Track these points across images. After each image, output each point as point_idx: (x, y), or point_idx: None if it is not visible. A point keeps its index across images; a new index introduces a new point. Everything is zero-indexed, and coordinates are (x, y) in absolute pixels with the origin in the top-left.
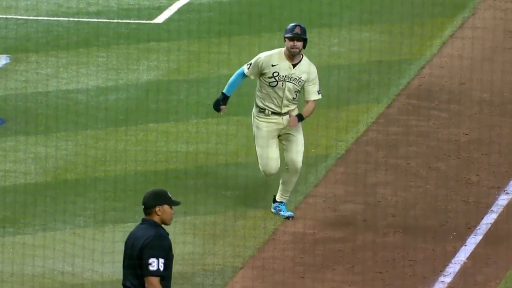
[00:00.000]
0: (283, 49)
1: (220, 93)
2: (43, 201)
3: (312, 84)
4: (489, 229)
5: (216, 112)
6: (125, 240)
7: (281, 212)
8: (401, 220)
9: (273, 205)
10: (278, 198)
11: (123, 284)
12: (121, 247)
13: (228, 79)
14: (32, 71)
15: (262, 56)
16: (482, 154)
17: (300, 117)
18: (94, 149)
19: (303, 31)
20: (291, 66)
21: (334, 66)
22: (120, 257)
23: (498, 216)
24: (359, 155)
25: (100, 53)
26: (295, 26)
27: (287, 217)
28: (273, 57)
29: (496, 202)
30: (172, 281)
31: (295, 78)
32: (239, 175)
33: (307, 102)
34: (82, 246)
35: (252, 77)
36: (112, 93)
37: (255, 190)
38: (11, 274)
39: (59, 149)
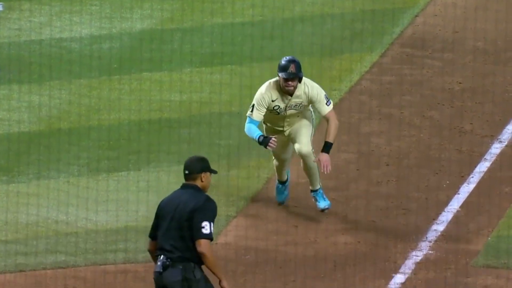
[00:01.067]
0: (277, 80)
1: (258, 139)
2: (37, 150)
3: (318, 102)
4: (482, 177)
5: (269, 144)
6: (150, 199)
7: (317, 203)
8: (394, 169)
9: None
10: (310, 187)
11: (160, 248)
12: (115, 196)
13: (222, 28)
14: (25, 19)
15: (262, 95)
16: (475, 102)
17: (327, 149)
18: (88, 98)
19: (298, 67)
20: (288, 97)
21: (327, 15)
22: (113, 206)
23: (491, 165)
24: (352, 104)
25: (94, 1)
26: (289, 63)
27: (322, 210)
28: (272, 92)
29: (489, 150)
30: None
31: (295, 105)
32: (233, 125)
33: (325, 118)
34: (76, 195)
35: (261, 118)
36: (106, 42)
37: (248, 139)
38: (5, 222)
39: (52, 98)
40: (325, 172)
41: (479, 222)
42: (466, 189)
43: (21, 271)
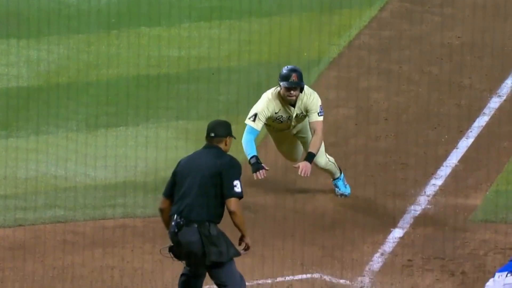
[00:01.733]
0: (277, 91)
1: (250, 159)
2: (36, 105)
3: (312, 110)
4: (481, 132)
5: (257, 173)
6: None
7: (337, 189)
8: (393, 124)
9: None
10: (331, 177)
11: (175, 207)
12: (113, 151)
13: None
14: None
15: (265, 107)
16: (474, 57)
17: (310, 158)
18: (86, 53)
19: (300, 77)
20: (290, 108)
21: None
22: (112, 162)
23: (490, 119)
24: (351, 59)
25: None
26: (291, 72)
27: (341, 195)
28: (275, 104)
29: (488, 105)
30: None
31: (297, 114)
32: (232, 80)
33: (312, 127)
34: (74, 150)
35: (262, 126)
36: None
37: (247, 94)
38: (4, 177)
39: (51, 53)
40: (302, 176)
41: (478, 176)
42: (465, 143)
43: (20, 225)
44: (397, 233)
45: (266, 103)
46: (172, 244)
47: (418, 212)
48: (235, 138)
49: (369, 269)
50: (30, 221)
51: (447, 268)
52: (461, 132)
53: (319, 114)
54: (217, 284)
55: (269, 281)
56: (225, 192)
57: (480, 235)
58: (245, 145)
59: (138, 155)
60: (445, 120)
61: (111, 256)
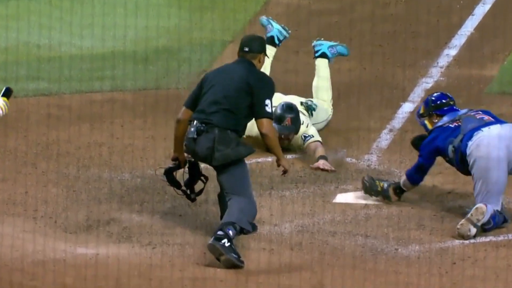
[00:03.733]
0: None
1: None
2: None
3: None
4: None
5: None
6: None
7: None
8: None
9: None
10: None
11: (198, 114)
12: (100, 20)
13: None
14: None
15: None
16: None
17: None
18: None
19: (295, 119)
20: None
21: None
22: (99, 30)
23: None
24: None
25: None
26: (285, 114)
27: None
28: None
29: None
30: (158, 56)
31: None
32: None
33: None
34: (59, 17)
35: None
36: None
37: None
38: None
39: None
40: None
41: (494, 45)
42: (481, 10)
43: None
44: (407, 108)
45: None
46: (168, 167)
47: (430, 85)
48: (268, 57)
49: (377, 146)
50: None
51: None
52: None
53: (305, 138)
54: (226, 194)
55: (269, 159)
56: (256, 111)
57: (496, 108)
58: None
59: (128, 23)
60: None
61: (99, 132)
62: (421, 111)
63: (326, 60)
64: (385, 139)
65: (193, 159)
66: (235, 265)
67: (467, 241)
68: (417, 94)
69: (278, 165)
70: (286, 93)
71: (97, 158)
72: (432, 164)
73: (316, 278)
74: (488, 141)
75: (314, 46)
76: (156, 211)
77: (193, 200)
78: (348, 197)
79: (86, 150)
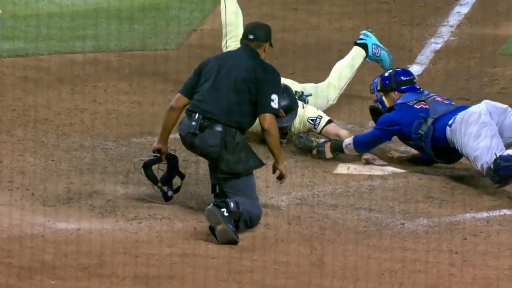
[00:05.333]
0: None
1: None
2: None
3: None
4: None
5: None
6: None
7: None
8: None
9: None
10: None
11: (197, 106)
12: None
13: None
14: None
15: None
16: None
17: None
18: None
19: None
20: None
21: None
22: None
23: None
24: None
25: None
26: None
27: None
28: None
29: None
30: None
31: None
32: None
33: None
34: None
35: None
36: None
37: None
38: None
39: None
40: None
41: (510, 2)
42: None
43: None
44: (414, 70)
45: None
46: (148, 160)
47: (439, 45)
48: (272, 46)
49: None
50: None
51: None
52: None
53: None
54: (226, 192)
55: None
56: (260, 105)
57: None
58: None
59: None
60: None
61: (81, 97)
62: (379, 86)
63: (363, 52)
64: None
65: (173, 153)
66: (230, 239)
67: (479, 215)
68: (426, 56)
69: (274, 170)
70: (283, 54)
71: (78, 125)
72: (388, 140)
73: (315, 255)
74: (470, 114)
75: (360, 34)
76: (142, 182)
77: (169, 199)
78: (351, 167)
79: (66, 116)
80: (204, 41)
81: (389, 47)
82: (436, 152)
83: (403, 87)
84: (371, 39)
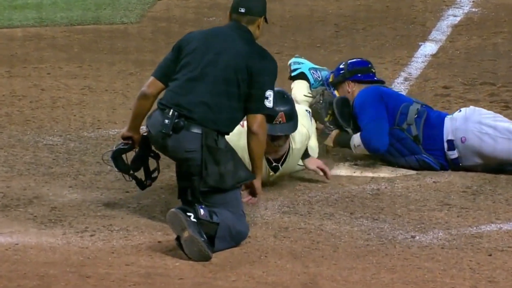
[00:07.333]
0: None
1: None
2: None
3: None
4: None
5: None
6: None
7: None
8: None
9: None
10: None
11: (173, 99)
12: None
13: None
14: None
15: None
16: None
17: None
18: None
19: (289, 115)
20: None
21: None
22: None
23: None
24: None
25: None
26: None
27: None
28: None
29: None
30: None
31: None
32: None
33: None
34: None
35: None
36: None
37: None
38: None
39: None
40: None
41: None
42: None
43: None
44: (428, 49)
45: None
46: (118, 149)
47: (459, 18)
48: (267, 22)
49: None
50: None
51: (499, 97)
52: None
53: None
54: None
55: None
56: (253, 102)
57: None
58: None
59: None
60: None
61: (21, 81)
62: (331, 79)
63: (305, 83)
64: (399, 89)
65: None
66: (200, 250)
67: (507, 226)
68: (442, 32)
69: (247, 187)
70: (268, 28)
71: (16, 116)
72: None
73: (307, 275)
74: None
75: (289, 65)
76: (95, 186)
77: (146, 186)
78: (351, 167)
79: (1, 104)
80: (171, 12)
81: (398, 19)
82: (404, 149)
83: (359, 75)
84: (305, 64)
